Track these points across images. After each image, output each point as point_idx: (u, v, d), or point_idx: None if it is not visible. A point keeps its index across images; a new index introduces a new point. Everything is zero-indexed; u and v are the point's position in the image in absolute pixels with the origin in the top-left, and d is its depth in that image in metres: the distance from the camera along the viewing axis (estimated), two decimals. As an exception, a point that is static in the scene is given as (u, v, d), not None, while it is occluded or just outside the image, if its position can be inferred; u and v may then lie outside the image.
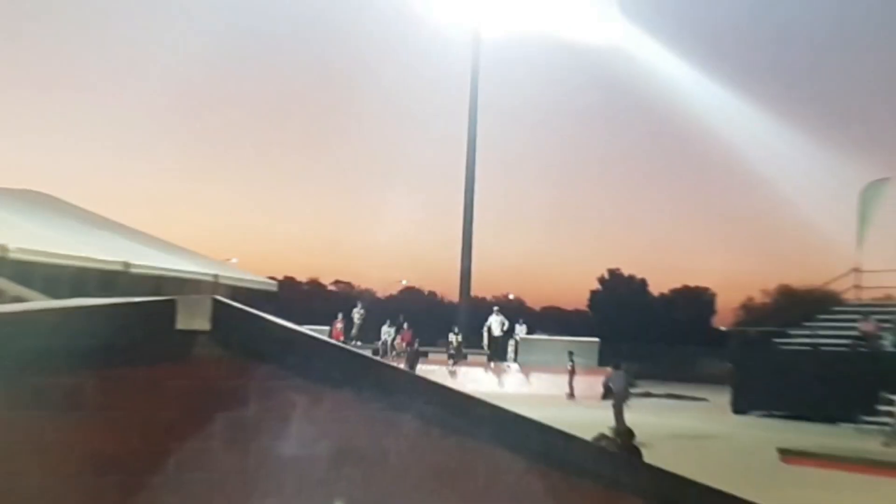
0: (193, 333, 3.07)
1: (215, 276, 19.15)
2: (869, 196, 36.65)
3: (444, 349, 41.76)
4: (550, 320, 70.85)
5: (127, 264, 16.08)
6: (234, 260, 45.41)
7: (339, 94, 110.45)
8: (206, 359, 3.10)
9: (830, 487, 15.81)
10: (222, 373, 3.14)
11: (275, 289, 26.49)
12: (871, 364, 28.08)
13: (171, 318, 3.01)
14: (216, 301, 3.13)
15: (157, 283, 16.70)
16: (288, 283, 72.12)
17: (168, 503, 3.05)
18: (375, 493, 3.54)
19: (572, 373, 35.31)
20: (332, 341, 3.82)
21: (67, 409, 2.96)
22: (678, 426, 26.39)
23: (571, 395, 34.67)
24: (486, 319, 43.14)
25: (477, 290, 57.96)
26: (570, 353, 35.67)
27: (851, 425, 26.48)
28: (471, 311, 47.42)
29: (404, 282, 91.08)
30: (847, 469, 17.26)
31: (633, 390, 40.86)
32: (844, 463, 17.81)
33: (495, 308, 44.37)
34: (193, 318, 3.08)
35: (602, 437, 11.70)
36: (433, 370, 29.19)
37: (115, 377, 2.93)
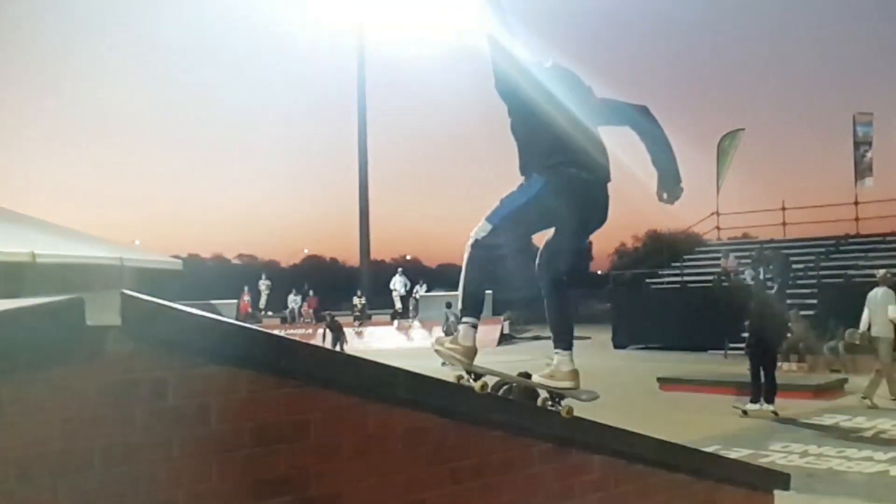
0: (104, 329, 2.83)
1: (120, 259, 18.53)
2: (726, 145, 37.39)
3: (349, 312, 41.54)
4: (447, 276, 70.78)
5: (34, 255, 15.43)
6: (137, 242, 44.48)
7: (232, 68, 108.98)
8: (119, 353, 2.85)
9: (705, 410, 16.06)
10: (137, 366, 2.90)
11: (180, 267, 25.87)
12: (734, 296, 28.63)
13: (81, 316, 2.76)
14: (125, 295, 2.89)
15: (63, 271, 16.06)
16: (192, 260, 70.81)
17: (97, 501, 2.81)
18: (300, 470, 3.36)
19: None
20: (245, 324, 3.60)
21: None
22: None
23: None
24: (388, 281, 43.08)
25: (376, 253, 57.76)
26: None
27: (720, 352, 26.94)
28: (372, 274, 47.20)
29: (306, 250, 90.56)
30: (719, 392, 17.66)
31: (525, 335, 41.42)
32: (716, 387, 18.26)
33: (399, 269, 44.28)
34: (103, 314, 2.84)
35: (503, 382, 11.49)
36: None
37: (29, 380, 2.67)
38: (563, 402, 4.82)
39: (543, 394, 4.96)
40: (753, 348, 16.08)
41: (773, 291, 27.43)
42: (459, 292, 4.78)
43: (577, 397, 4.83)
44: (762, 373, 15.72)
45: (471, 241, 4.70)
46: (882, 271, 17.07)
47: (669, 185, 4.88)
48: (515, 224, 4.75)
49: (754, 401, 15.69)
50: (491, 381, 4.75)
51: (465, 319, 4.78)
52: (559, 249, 4.88)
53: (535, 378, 4.92)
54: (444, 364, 5.02)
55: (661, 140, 4.91)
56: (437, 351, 4.86)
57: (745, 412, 15.52)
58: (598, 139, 4.85)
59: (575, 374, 4.81)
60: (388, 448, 3.73)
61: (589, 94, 4.91)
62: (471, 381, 4.56)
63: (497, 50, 4.75)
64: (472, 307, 4.79)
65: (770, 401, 15.53)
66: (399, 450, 3.77)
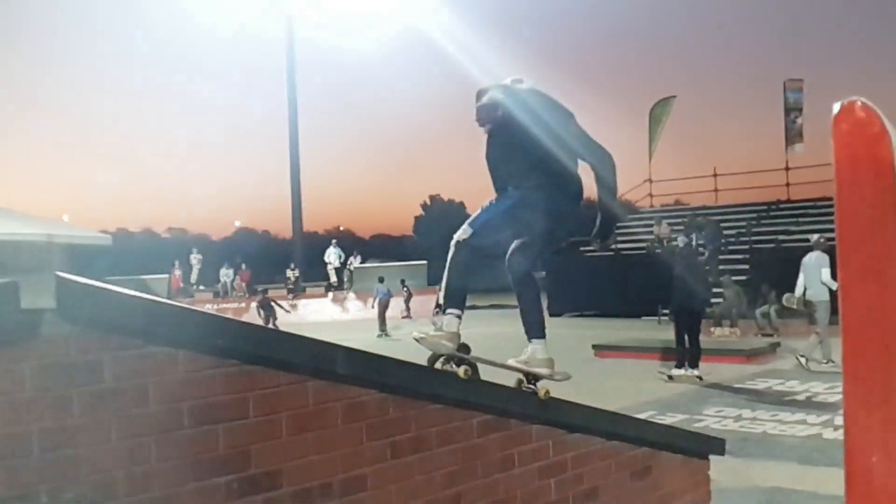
0: (39, 312, 2.81)
1: (49, 235, 18.26)
2: (658, 113, 37.54)
3: (282, 285, 41.34)
4: (380, 247, 70.79)
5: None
6: (65, 217, 43.77)
7: (162, 41, 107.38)
8: (55, 336, 2.84)
9: (639, 376, 16.25)
10: (73, 348, 2.89)
11: (109, 242, 25.54)
12: (667, 263, 28.95)
13: (15, 299, 2.75)
14: (60, 278, 2.88)
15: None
16: (121, 235, 69.87)
17: (37, 484, 2.81)
18: (240, 449, 3.38)
19: (409, 297, 35.48)
20: (182, 305, 3.60)
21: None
22: (503, 333, 26.69)
23: (408, 315, 34.86)
24: (321, 253, 42.91)
25: (308, 225, 57.45)
26: (403, 281, 35.75)
27: (654, 318, 27.20)
28: (305, 246, 46.92)
29: (237, 223, 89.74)
30: (653, 357, 17.81)
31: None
32: (650, 353, 18.40)
33: (333, 241, 44.07)
34: (38, 297, 2.83)
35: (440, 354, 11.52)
36: (274, 306, 28.85)
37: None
38: (538, 384, 5.21)
39: (518, 375, 5.28)
40: (677, 313, 16.28)
41: (703, 257, 27.87)
42: (443, 287, 5.24)
43: (552, 378, 5.25)
44: (687, 337, 15.93)
45: (454, 241, 5.20)
46: (816, 236, 17.26)
47: (605, 234, 5.56)
48: (492, 230, 5.24)
49: (679, 366, 15.89)
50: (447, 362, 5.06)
51: (449, 311, 5.19)
52: (526, 252, 5.28)
53: (511, 362, 5.31)
54: (417, 340, 5.24)
55: (611, 193, 5.41)
56: (420, 339, 5.15)
57: (670, 377, 15.75)
58: (572, 164, 5.32)
59: (550, 361, 5.28)
60: (328, 424, 3.75)
61: (569, 120, 5.34)
62: (453, 365, 4.97)
63: (501, 89, 5.36)
64: (456, 300, 5.23)
65: (694, 365, 15.74)
66: (338, 425, 3.80)
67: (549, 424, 5.02)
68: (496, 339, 22.42)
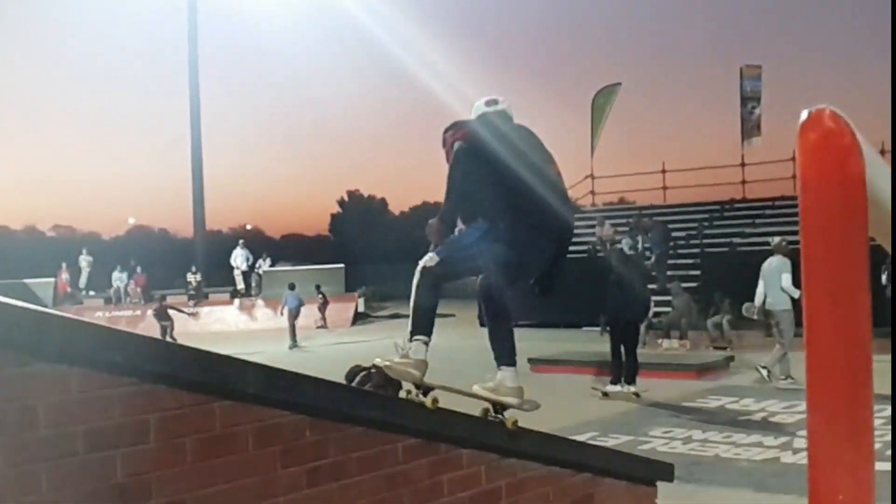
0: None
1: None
2: (601, 102, 37.76)
3: (182, 290, 40.96)
4: (293, 248, 70.36)
5: None
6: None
7: (49, 26, 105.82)
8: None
9: (579, 392, 16.31)
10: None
11: (-14, 241, 25.12)
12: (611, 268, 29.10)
13: None
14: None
15: None
16: (0, 233, 68.72)
17: None
18: (139, 477, 3.37)
19: (324, 304, 35.34)
20: (75, 317, 3.58)
21: None
22: (433, 346, 26.73)
23: (324, 324, 34.76)
24: (226, 254, 42.59)
25: (212, 222, 57.05)
26: (318, 286, 35.61)
27: (596, 329, 27.07)
28: (208, 247, 46.49)
29: (132, 220, 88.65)
30: (595, 373, 17.84)
31: (382, 313, 41.54)
32: (591, 367, 18.40)
33: (240, 241, 43.71)
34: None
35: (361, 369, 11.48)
36: (173, 314, 28.50)
37: None
38: (505, 414, 5.50)
39: (407, 386, 5.40)
40: (613, 324, 16.43)
41: (649, 261, 28.11)
42: (410, 313, 5.59)
43: (521, 408, 5.53)
44: (623, 350, 16.07)
45: (419, 267, 5.56)
46: (777, 239, 17.30)
47: (547, 286, 6.15)
48: (460, 261, 5.68)
49: (614, 382, 16.03)
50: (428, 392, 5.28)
51: (416, 337, 5.51)
52: (496, 283, 5.67)
53: (478, 389, 5.56)
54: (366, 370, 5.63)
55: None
56: (387, 367, 5.43)
57: (605, 394, 15.91)
58: (556, 198, 5.79)
59: (520, 390, 5.59)
60: (238, 449, 3.76)
61: (551, 162, 5.91)
62: (420, 395, 5.20)
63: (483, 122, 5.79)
64: (423, 327, 5.56)
65: (631, 381, 15.91)
66: (249, 451, 3.81)
67: (482, 448, 5.07)
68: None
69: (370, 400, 4.72)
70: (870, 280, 2.74)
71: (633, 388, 15.81)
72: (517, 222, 5.55)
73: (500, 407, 5.51)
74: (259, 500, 3.82)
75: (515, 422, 5.41)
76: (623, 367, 16.00)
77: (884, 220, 2.85)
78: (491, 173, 5.59)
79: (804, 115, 2.63)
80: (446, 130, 5.81)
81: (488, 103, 5.95)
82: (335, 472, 4.19)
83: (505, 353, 5.73)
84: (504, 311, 5.80)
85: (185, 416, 3.54)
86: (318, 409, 4.15)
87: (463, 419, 5.07)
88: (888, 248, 3.38)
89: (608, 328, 16.66)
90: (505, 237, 5.56)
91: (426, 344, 5.53)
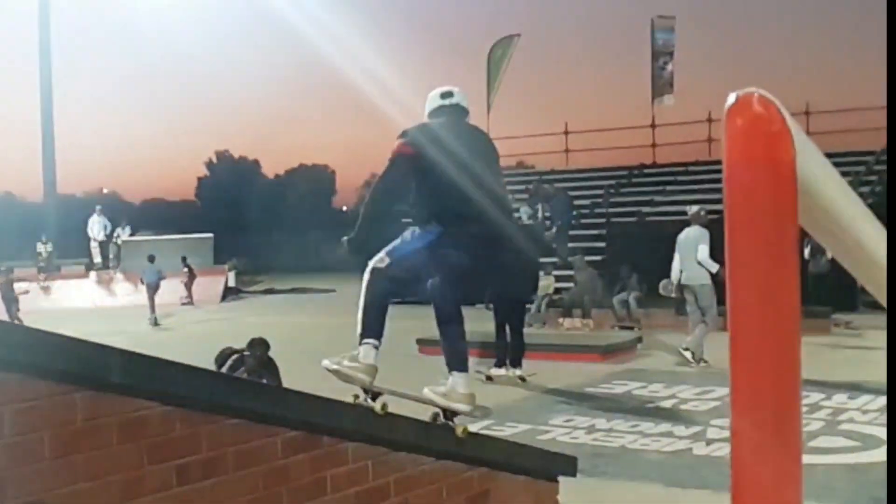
0: None
1: None
2: (497, 56, 37.62)
3: (31, 262, 40.17)
4: (155, 215, 69.41)
5: None
6: None
7: None
8: None
9: (472, 376, 16.30)
10: None
11: None
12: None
13: None
14: None
15: None
16: None
17: None
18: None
19: (191, 278, 34.96)
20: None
21: None
22: (306, 324, 26.69)
23: (190, 301, 34.42)
24: (81, 221, 41.83)
25: (64, 186, 56.00)
26: (184, 259, 35.20)
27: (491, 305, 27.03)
28: (60, 213, 45.57)
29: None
30: (489, 355, 17.43)
31: (255, 288, 41.31)
32: (485, 348, 17.77)
33: (97, 208, 42.82)
34: None
35: (232, 352, 11.45)
36: (22, 288, 27.87)
37: None
38: (455, 420, 5.94)
39: (362, 392, 5.80)
40: (497, 302, 16.43)
41: (550, 232, 28.24)
42: (359, 315, 6.06)
43: (471, 416, 6.16)
44: (508, 330, 16.17)
45: (369, 267, 6.07)
46: (695, 208, 17.21)
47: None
48: (410, 263, 6.16)
49: (499, 364, 16.18)
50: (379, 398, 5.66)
51: (365, 341, 5.94)
52: (448, 286, 6.22)
53: (428, 394, 5.97)
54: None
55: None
56: (335, 371, 5.79)
57: (489, 377, 15.99)
58: (503, 199, 6.60)
59: (472, 397, 6.05)
60: (101, 444, 3.76)
61: (494, 167, 6.73)
62: (368, 400, 5.60)
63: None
64: (373, 330, 6.00)
65: (516, 364, 16.08)
66: (114, 446, 3.82)
67: (369, 442, 5.13)
68: (296, 331, 22.36)
69: (247, 389, 4.75)
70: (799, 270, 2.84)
71: (518, 372, 15.95)
72: (459, 229, 6.04)
73: (450, 413, 5.95)
74: (124, 499, 3.84)
75: (466, 429, 5.88)
76: (508, 349, 16.14)
77: (816, 209, 2.95)
78: (426, 182, 6.14)
79: (731, 98, 2.70)
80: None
81: (443, 95, 6.57)
82: (208, 468, 4.22)
83: (457, 358, 6.19)
84: (459, 315, 6.30)
85: (42, 409, 3.54)
86: (190, 400, 4.17)
87: (348, 409, 5.13)
88: (820, 238, 3.49)
89: (491, 306, 16.61)
90: (451, 243, 6.07)
91: (376, 347, 5.94)
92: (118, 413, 3.83)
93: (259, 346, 11.47)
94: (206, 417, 4.24)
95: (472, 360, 17.14)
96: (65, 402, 3.63)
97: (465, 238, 6.06)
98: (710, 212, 16.77)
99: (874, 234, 3.24)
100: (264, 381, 10.87)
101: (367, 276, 6.09)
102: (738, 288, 2.78)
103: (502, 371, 16.02)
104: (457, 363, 6.13)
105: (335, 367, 5.78)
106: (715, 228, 14.29)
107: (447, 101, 6.56)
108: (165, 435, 4.03)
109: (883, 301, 3.30)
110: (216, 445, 4.26)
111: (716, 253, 15.66)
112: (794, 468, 2.81)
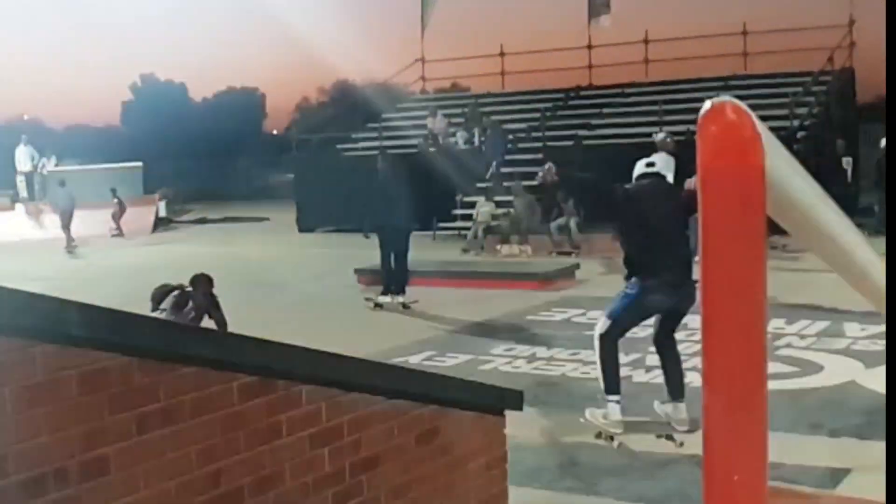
0: None
1: None
2: (433, -26, 37.31)
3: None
4: (80, 143, 68.37)
5: None
6: None
7: None
8: None
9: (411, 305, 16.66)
10: None
11: None
12: (445, 165, 29.08)
13: None
14: None
15: None
16: None
17: None
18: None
19: (121, 210, 34.55)
20: None
21: None
22: (240, 254, 26.66)
23: (119, 233, 34.10)
24: (5, 151, 41.22)
25: (-21, 113, 55.06)
26: (114, 190, 34.77)
27: (429, 233, 27.31)
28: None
29: None
30: (429, 283, 18.08)
31: (186, 217, 41.09)
32: (425, 277, 18.42)
33: (23, 137, 42.04)
34: None
35: (170, 288, 11.42)
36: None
37: None
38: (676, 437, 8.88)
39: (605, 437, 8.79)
40: (380, 230, 16.82)
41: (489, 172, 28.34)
42: (600, 375, 8.78)
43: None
44: (393, 257, 16.64)
45: (596, 335, 8.81)
46: (661, 135, 17.10)
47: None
48: (626, 315, 8.88)
49: (385, 292, 16.74)
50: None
51: (609, 398, 8.81)
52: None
53: (663, 414, 9.02)
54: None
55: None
56: (596, 426, 8.83)
57: (377, 305, 16.58)
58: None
59: (692, 422, 8.58)
60: (62, 397, 3.82)
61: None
62: (609, 440, 8.98)
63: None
64: (614, 385, 8.86)
65: (400, 291, 16.60)
66: (75, 398, 3.88)
67: (322, 384, 5.22)
68: (230, 263, 22.27)
69: (206, 337, 4.82)
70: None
71: (400, 299, 16.52)
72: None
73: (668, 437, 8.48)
74: (86, 451, 3.91)
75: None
76: (392, 276, 16.75)
77: (783, 201, 3.10)
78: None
79: (706, 106, 2.84)
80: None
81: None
82: (166, 417, 4.28)
83: (676, 388, 8.79)
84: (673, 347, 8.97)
85: (2, 365, 3.59)
86: (148, 350, 4.24)
87: (302, 353, 5.21)
88: (787, 225, 3.65)
89: (376, 234, 16.85)
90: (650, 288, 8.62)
91: (618, 403, 8.54)
92: (78, 366, 3.88)
93: (204, 283, 11.43)
94: (164, 367, 4.30)
95: (360, 288, 17.60)
96: (24, 356, 3.68)
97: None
98: (676, 133, 16.82)
99: (834, 218, 3.45)
100: (211, 317, 10.96)
101: (597, 343, 8.55)
102: (711, 277, 2.93)
103: (388, 298, 16.56)
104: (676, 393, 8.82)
105: (595, 423, 8.53)
106: (682, 153, 14.10)
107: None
108: (125, 386, 4.09)
109: (842, 275, 3.52)
110: (174, 394, 4.33)
111: (678, 180, 15.57)
112: (761, 439, 2.97)
